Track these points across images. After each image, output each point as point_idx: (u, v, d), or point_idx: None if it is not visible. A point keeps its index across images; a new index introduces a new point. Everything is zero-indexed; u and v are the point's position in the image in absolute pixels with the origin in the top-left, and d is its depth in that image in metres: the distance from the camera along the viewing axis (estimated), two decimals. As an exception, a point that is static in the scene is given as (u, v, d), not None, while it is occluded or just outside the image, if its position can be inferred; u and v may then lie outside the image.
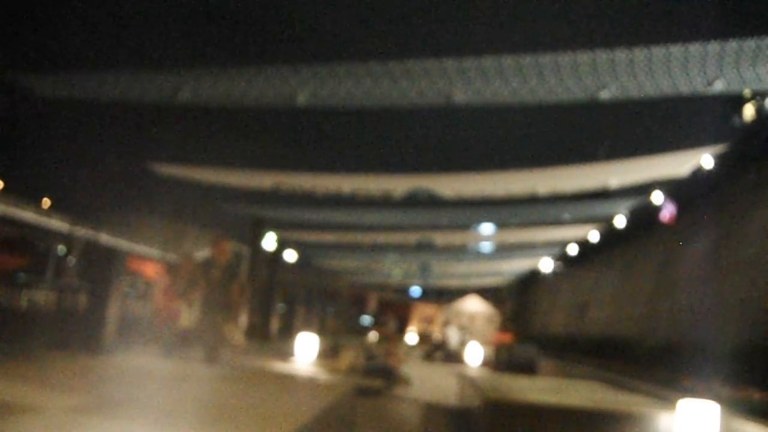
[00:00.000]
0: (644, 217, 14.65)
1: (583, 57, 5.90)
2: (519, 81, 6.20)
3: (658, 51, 5.77)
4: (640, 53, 5.81)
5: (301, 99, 6.88)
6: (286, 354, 9.91)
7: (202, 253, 8.37)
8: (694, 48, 5.68)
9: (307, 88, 6.75)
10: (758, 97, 7.74)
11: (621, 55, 5.85)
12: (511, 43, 5.98)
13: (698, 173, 10.40)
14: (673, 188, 12.22)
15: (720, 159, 10.21)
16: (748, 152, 11.30)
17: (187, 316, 7.90)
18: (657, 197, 12.53)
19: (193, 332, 7.81)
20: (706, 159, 9.87)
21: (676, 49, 5.72)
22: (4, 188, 14.98)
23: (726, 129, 8.41)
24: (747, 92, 7.72)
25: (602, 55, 5.88)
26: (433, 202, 10.62)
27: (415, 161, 9.65)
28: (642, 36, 5.76)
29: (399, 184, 10.34)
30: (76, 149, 10.34)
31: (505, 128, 8.19)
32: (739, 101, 7.89)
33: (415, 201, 10.60)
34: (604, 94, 6.31)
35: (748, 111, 7.99)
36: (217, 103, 7.20)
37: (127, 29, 6.29)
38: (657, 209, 13.59)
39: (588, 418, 4.51)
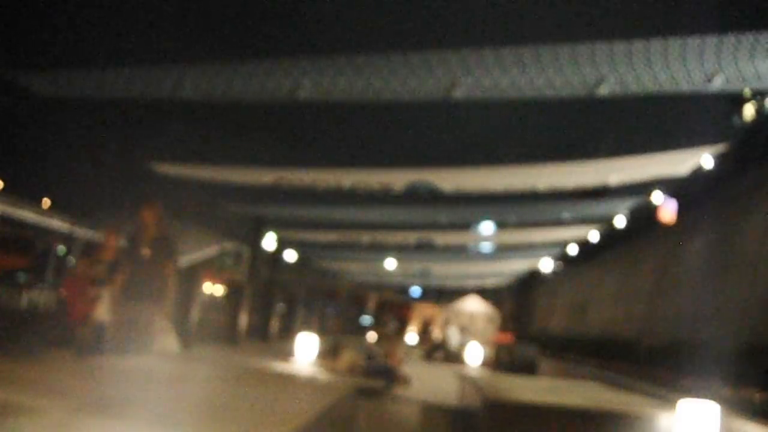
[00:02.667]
0: (644, 217, 14.64)
1: (582, 49, 5.89)
2: (518, 72, 6.17)
3: (656, 44, 5.76)
4: (638, 45, 5.80)
5: (302, 92, 6.82)
6: (285, 354, 9.90)
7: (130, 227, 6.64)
8: (692, 41, 5.68)
9: (308, 80, 6.70)
10: (758, 97, 7.74)
11: (620, 47, 5.84)
12: (511, 35, 5.97)
13: (698, 172, 10.40)
14: (673, 187, 12.22)
15: (720, 159, 10.20)
16: (748, 152, 11.30)
17: (107, 307, 6.37)
18: (657, 197, 12.52)
19: (110, 327, 6.24)
20: (706, 158, 9.87)
21: (674, 42, 5.72)
22: (4, 188, 14.98)
23: (726, 128, 8.41)
24: (747, 92, 7.71)
25: (601, 48, 5.88)
26: (433, 196, 10.59)
27: (415, 155, 9.61)
28: (640, 28, 5.75)
29: (399, 178, 10.32)
30: (76, 149, 10.33)
31: (504, 123, 8.17)
32: (739, 100, 7.89)
33: (415, 195, 10.56)
34: (603, 88, 6.29)
35: (748, 111, 7.99)
36: (217, 98, 7.12)
37: (125, 24, 6.27)
38: (657, 209, 13.58)
39: (588, 418, 4.51)
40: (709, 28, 5.55)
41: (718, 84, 6.15)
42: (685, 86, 6.25)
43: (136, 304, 6.10)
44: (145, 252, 6.26)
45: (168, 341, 6.43)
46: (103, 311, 6.35)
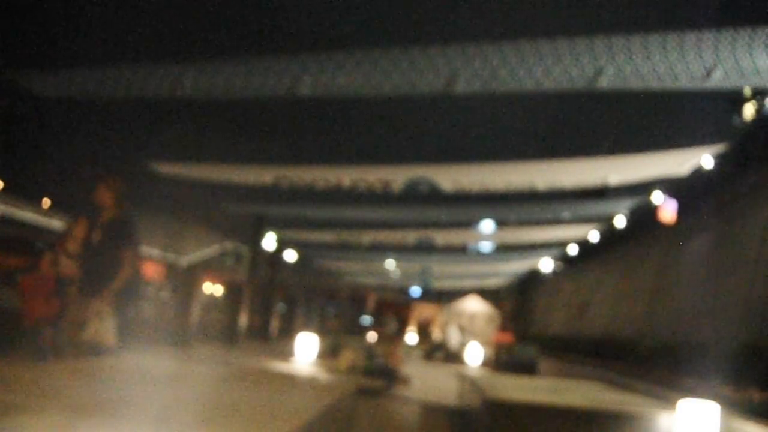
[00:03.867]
0: (644, 217, 14.64)
1: (580, 42, 5.89)
2: (517, 62, 6.16)
3: (654, 37, 5.76)
4: (636, 38, 5.81)
5: (302, 89, 6.80)
6: (285, 354, 9.91)
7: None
8: (690, 35, 5.68)
9: (307, 76, 6.68)
10: (758, 96, 7.74)
11: (618, 40, 5.84)
12: (510, 29, 5.96)
13: (698, 172, 10.39)
14: (673, 187, 12.22)
15: (720, 158, 10.20)
16: (749, 152, 11.31)
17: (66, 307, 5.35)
18: (657, 197, 12.52)
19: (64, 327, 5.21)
20: (705, 158, 9.87)
21: (672, 36, 5.72)
22: (4, 188, 14.97)
23: (726, 128, 8.41)
24: (747, 91, 7.71)
25: (599, 41, 5.88)
26: (433, 194, 10.59)
27: (415, 152, 9.61)
28: (638, 22, 5.75)
29: (399, 175, 10.31)
30: (76, 149, 10.32)
31: (504, 119, 8.17)
32: (739, 100, 7.89)
33: (415, 192, 10.56)
34: (602, 80, 6.28)
35: (748, 110, 7.99)
36: (217, 96, 7.10)
37: (124, 24, 6.26)
38: (657, 209, 13.57)
39: (588, 418, 4.50)
40: (707, 22, 5.56)
41: (716, 78, 6.15)
42: (684, 80, 6.24)
43: (86, 299, 5.12)
44: (95, 237, 5.22)
45: (101, 331, 5.03)
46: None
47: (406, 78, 6.57)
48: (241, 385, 5.85)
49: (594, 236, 16.87)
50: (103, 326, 5.12)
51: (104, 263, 5.17)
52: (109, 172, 5.62)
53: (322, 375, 7.91)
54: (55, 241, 6.02)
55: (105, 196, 5.37)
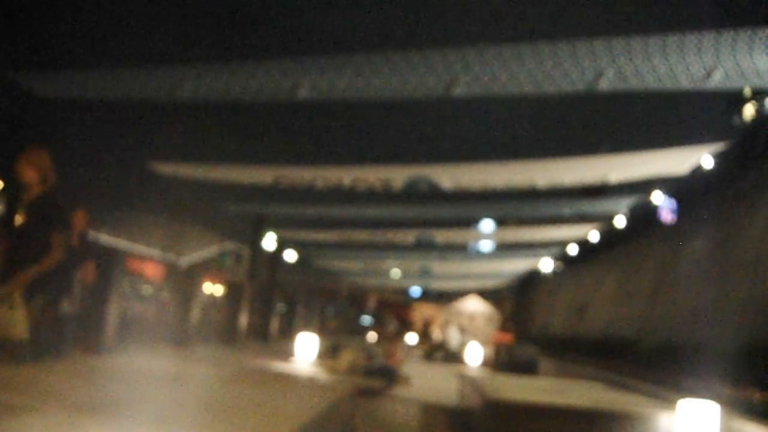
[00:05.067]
0: (644, 217, 14.65)
1: (581, 44, 5.89)
2: (517, 66, 6.16)
3: (654, 39, 5.77)
4: (637, 40, 5.81)
5: (302, 92, 6.81)
6: (285, 354, 9.90)
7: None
8: (690, 36, 5.68)
9: (307, 80, 6.70)
10: (758, 97, 7.74)
11: (618, 42, 5.85)
12: (511, 31, 5.97)
13: (698, 172, 10.40)
14: (673, 187, 12.22)
15: (720, 158, 10.21)
16: (749, 152, 11.31)
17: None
18: (657, 196, 12.53)
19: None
20: (706, 158, 9.87)
21: (672, 37, 5.72)
22: (4, 188, 14.95)
23: (726, 128, 8.42)
24: (747, 91, 7.71)
25: (600, 43, 5.88)
26: (433, 193, 10.60)
27: (415, 152, 9.63)
28: (638, 24, 5.76)
29: (398, 175, 10.32)
30: (76, 149, 10.33)
31: (504, 119, 8.18)
32: (739, 100, 7.90)
33: (415, 191, 10.57)
34: (603, 82, 6.29)
35: (748, 110, 8.00)
36: (217, 98, 7.11)
37: (124, 25, 6.27)
38: (657, 208, 13.58)
39: (588, 418, 4.50)
40: (707, 24, 5.56)
41: (717, 79, 6.15)
42: (684, 81, 6.25)
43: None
44: (18, 219, 4.46)
45: (9, 322, 4.25)
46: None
47: (406, 82, 6.58)
48: (240, 385, 5.85)
49: (594, 236, 16.88)
50: (12, 316, 4.27)
51: (28, 248, 4.38)
52: (33, 143, 4.73)
53: (322, 375, 7.91)
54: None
55: (27, 171, 4.53)
